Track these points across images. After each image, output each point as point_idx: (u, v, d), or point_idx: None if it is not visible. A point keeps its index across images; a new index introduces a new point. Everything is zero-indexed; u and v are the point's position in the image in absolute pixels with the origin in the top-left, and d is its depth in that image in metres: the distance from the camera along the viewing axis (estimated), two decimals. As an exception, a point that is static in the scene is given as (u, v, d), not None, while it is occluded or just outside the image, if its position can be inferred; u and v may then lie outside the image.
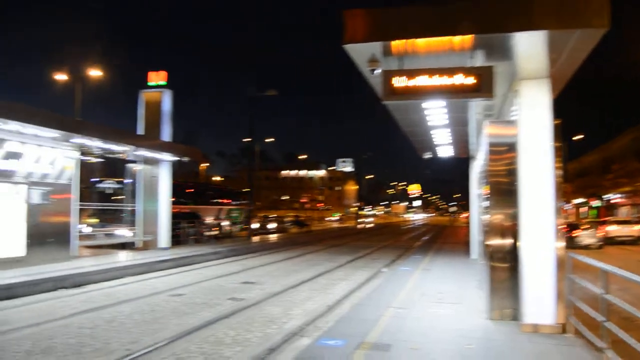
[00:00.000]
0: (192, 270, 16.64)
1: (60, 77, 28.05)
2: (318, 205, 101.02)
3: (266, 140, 67.55)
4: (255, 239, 31.08)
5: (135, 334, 8.09)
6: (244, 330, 8.40)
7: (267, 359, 6.89)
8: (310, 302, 11.10)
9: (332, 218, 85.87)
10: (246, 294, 12.06)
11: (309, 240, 33.69)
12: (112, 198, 22.48)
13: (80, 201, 17.12)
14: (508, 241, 8.18)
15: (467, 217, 28.23)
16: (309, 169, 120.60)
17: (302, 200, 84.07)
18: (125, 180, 21.92)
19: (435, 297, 10.66)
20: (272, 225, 41.01)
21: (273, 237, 35.05)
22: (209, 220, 29.45)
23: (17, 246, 13.93)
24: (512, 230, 8.11)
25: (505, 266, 8.18)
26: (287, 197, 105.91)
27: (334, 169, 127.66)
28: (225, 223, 31.24)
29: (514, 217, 8.05)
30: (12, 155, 13.93)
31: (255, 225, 35.53)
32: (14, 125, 13.40)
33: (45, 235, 14.85)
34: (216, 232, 28.88)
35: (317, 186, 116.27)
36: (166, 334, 8.12)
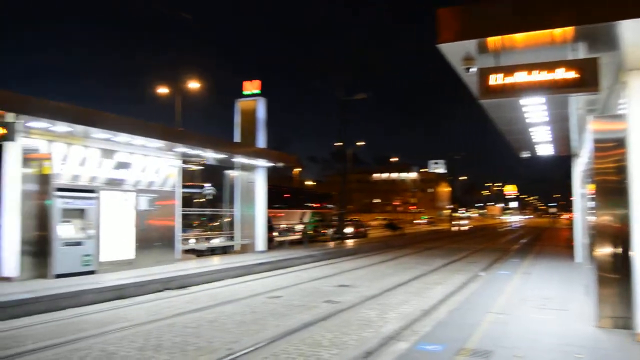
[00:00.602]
0: (288, 273, 16.95)
1: (162, 90, 29.68)
2: (410, 207, 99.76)
3: (357, 143, 67.72)
4: (348, 242, 31.16)
5: (236, 334, 8.33)
6: (340, 333, 8.42)
7: (364, 362, 6.86)
8: (406, 306, 10.95)
9: (421, 221, 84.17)
10: (342, 296, 12.09)
11: (402, 243, 33.31)
12: (211, 204, 23.35)
13: (183, 207, 18.01)
14: (617, 245, 7.64)
15: (569, 218, 26.71)
16: (400, 171, 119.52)
17: (394, 203, 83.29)
18: (206, 186, 22.73)
19: (538, 302, 10.15)
20: (354, 230, 40.59)
21: (366, 240, 34.99)
22: (294, 223, 29.85)
23: (128, 249, 14.84)
24: (621, 233, 7.56)
25: (615, 271, 7.64)
26: (379, 200, 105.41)
27: (426, 171, 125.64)
28: (310, 227, 31.51)
29: (624, 219, 7.51)
30: (122, 165, 14.88)
31: (349, 230, 35.55)
32: (124, 137, 14.34)
33: (152, 239, 15.71)
34: (297, 237, 28.85)
35: (409, 188, 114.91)
36: (266, 334, 8.31)
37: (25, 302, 9.89)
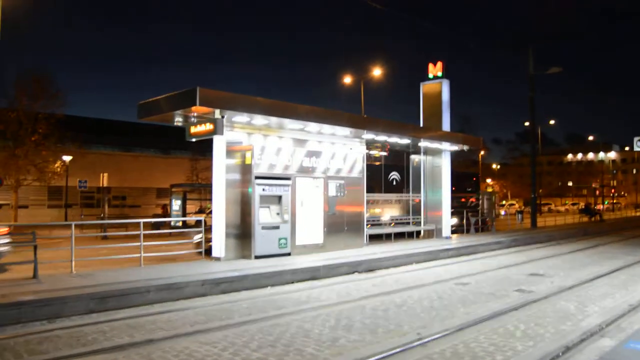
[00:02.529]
0: (474, 260, 16.46)
1: (346, 80, 30.58)
2: (612, 191, 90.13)
3: (548, 122, 63.03)
4: (540, 228, 29.24)
5: (425, 320, 8.31)
6: (534, 325, 7.94)
7: (563, 357, 6.39)
8: (609, 300, 9.95)
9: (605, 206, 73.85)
10: (534, 286, 11.40)
11: (601, 230, 30.36)
12: (395, 189, 23.48)
13: (370, 192, 18.42)
14: None
15: None
16: (597, 151, 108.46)
17: (593, 186, 75.93)
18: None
19: None
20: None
21: (559, 226, 32.53)
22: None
23: (318, 234, 15.61)
24: None
25: None
26: (572, 184, 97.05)
27: (629, 150, 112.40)
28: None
29: None
30: (312, 154, 15.64)
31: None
32: (314, 127, 15.10)
33: (340, 224, 16.30)
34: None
35: (608, 170, 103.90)
36: (454, 321, 8.16)
37: (232, 280, 10.96)
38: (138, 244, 12.65)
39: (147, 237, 14.15)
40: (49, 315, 8.45)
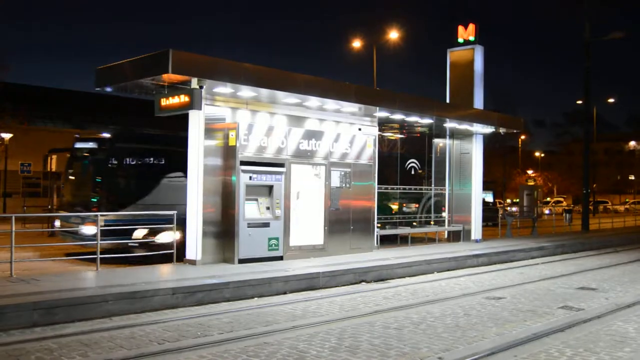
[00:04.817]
0: (510, 269, 16.53)
1: (355, 44, 30.47)
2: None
3: (606, 100, 62.75)
4: (594, 232, 29.30)
5: (448, 341, 8.33)
6: (584, 350, 7.96)
7: (618, 390, 6.41)
8: (679, 321, 9.98)
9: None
10: (585, 302, 11.43)
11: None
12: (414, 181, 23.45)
13: (382, 183, 18.41)
14: None
15: None
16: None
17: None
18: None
19: None
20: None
21: (617, 229, 32.57)
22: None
23: (317, 233, 15.61)
24: None
25: None
26: (635, 178, 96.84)
27: None
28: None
29: None
30: (312, 135, 15.57)
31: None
32: (314, 101, 15.04)
33: (345, 222, 16.28)
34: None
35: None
36: (485, 344, 8.17)
37: (210, 288, 10.99)
38: (93, 242, 12.67)
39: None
40: (-18, 328, 8.49)
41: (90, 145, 16.63)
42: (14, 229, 11.55)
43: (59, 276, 11.85)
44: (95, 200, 16.03)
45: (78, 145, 17.15)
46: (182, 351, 7.59)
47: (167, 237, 14.57)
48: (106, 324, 9.15)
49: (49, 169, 28.45)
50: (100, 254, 12.60)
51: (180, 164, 14.97)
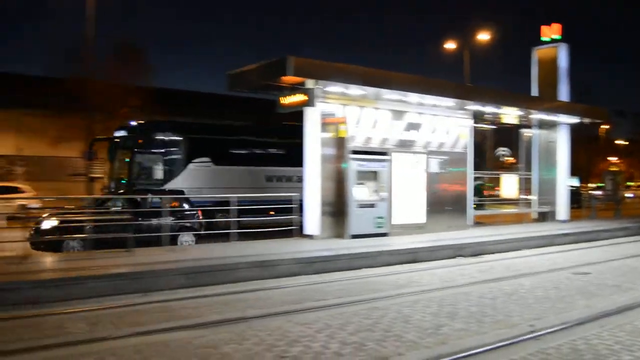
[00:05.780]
0: (595, 248, 15.68)
1: (449, 45, 29.76)
2: None
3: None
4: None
5: (538, 311, 8.01)
6: (670, 323, 7.44)
7: None
8: None
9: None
10: (669, 279, 10.68)
11: None
12: (504, 167, 22.71)
13: (475, 169, 17.95)
14: None
15: None
16: None
17: None
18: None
19: None
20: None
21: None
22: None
23: (418, 213, 15.47)
24: None
25: None
26: None
27: None
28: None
29: None
30: (412, 127, 15.43)
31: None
32: (414, 97, 14.88)
33: (442, 203, 16.05)
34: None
35: None
36: (573, 315, 7.80)
37: (326, 259, 11.14)
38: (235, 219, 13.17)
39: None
40: (141, 289, 9.01)
41: None
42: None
43: (200, 248, 12.40)
44: None
45: None
46: (303, 312, 7.74)
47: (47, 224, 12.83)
48: (239, 287, 9.48)
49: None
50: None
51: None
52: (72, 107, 23.83)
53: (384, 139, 14.77)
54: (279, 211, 15.09)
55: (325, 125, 13.97)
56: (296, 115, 14.29)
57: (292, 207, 14.17)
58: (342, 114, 14.22)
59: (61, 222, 12.44)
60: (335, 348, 6.02)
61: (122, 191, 16.05)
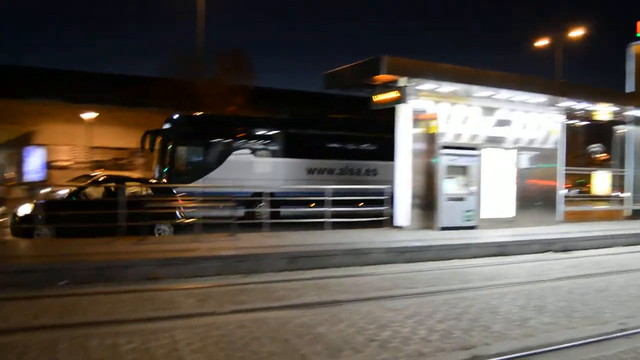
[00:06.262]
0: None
1: (541, 42, 28.42)
2: None
3: None
4: None
5: (631, 309, 7.50)
6: None
7: None
8: None
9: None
10: None
11: None
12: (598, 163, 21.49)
13: (566, 165, 17.09)
14: None
15: None
16: None
17: None
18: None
19: None
20: None
21: None
22: None
23: (507, 208, 14.95)
24: None
25: None
26: None
27: None
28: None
29: None
30: (502, 123, 14.90)
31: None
32: (504, 94, 14.37)
33: (532, 199, 15.42)
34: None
35: None
36: (670, 314, 7.27)
37: (417, 249, 11.03)
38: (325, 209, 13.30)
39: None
40: (245, 270, 9.33)
41: None
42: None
43: (298, 234, 12.64)
44: None
45: None
46: (395, 298, 7.70)
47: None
48: (335, 273, 9.58)
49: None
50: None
51: None
52: (181, 104, 24.85)
53: (473, 135, 14.38)
54: (367, 203, 15.06)
55: (416, 122, 13.78)
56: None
57: (382, 199, 14.13)
58: (433, 110, 13.97)
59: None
60: (423, 334, 5.95)
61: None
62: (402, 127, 13.68)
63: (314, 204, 15.19)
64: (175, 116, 18.08)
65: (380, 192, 14.15)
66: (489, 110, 14.85)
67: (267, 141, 18.15)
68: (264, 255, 9.71)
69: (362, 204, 15.31)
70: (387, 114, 14.55)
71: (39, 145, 33.58)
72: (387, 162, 15.16)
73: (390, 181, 14.18)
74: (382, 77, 12.84)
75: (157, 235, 12.51)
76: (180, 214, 12.94)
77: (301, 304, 7.25)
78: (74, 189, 13.39)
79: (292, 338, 5.72)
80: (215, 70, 31.00)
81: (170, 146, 17.03)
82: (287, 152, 18.04)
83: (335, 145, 18.95)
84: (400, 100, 13.25)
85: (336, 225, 13.72)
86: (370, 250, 10.59)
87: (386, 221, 14.05)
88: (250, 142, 17.83)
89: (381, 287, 8.49)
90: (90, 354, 5.15)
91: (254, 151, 17.76)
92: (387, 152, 14.89)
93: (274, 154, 18.01)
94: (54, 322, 6.34)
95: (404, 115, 13.63)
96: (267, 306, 7.15)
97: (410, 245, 11.10)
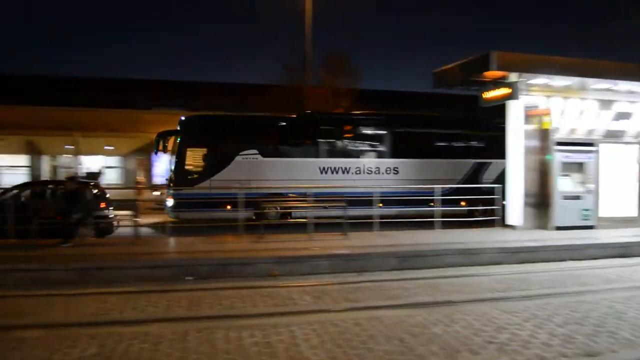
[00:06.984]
0: None
1: None
2: None
3: None
4: None
5: None
6: None
7: None
8: None
9: None
10: None
11: None
12: None
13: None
14: None
15: None
16: None
17: None
18: None
19: None
20: None
21: None
22: None
23: (629, 206, 13.89)
24: None
25: None
26: None
27: None
28: None
29: None
30: (621, 116, 13.85)
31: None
32: (623, 85, 13.34)
33: (657, 196, 14.20)
34: None
35: None
36: None
37: (530, 250, 10.57)
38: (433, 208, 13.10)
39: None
40: (357, 268, 9.42)
41: None
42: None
43: (407, 233, 12.55)
44: None
45: None
46: (509, 300, 7.45)
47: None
48: (445, 273, 9.42)
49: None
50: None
51: None
52: (286, 108, 25.41)
53: (590, 130, 13.49)
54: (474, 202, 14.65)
55: (528, 118, 13.18)
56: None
57: (494, 198, 13.67)
58: (546, 105, 13.27)
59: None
60: (544, 338, 5.70)
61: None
62: (513, 123, 13.16)
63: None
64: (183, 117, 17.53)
65: (490, 191, 13.71)
66: (606, 103, 13.85)
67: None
68: (375, 255, 9.75)
69: (465, 203, 14.99)
70: (491, 112, 14.09)
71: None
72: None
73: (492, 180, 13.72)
74: (492, 74, 12.43)
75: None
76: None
77: (415, 304, 7.21)
78: None
79: (407, 337, 5.70)
80: (321, 75, 31.47)
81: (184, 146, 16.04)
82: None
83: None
84: (511, 96, 12.74)
85: (445, 225, 13.48)
86: (481, 250, 10.30)
87: (498, 220, 13.57)
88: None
89: (494, 288, 8.23)
90: (217, 346, 5.45)
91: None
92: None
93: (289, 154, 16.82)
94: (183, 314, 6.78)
95: (514, 112, 13.10)
96: (381, 304, 7.18)
97: (524, 245, 10.66)
